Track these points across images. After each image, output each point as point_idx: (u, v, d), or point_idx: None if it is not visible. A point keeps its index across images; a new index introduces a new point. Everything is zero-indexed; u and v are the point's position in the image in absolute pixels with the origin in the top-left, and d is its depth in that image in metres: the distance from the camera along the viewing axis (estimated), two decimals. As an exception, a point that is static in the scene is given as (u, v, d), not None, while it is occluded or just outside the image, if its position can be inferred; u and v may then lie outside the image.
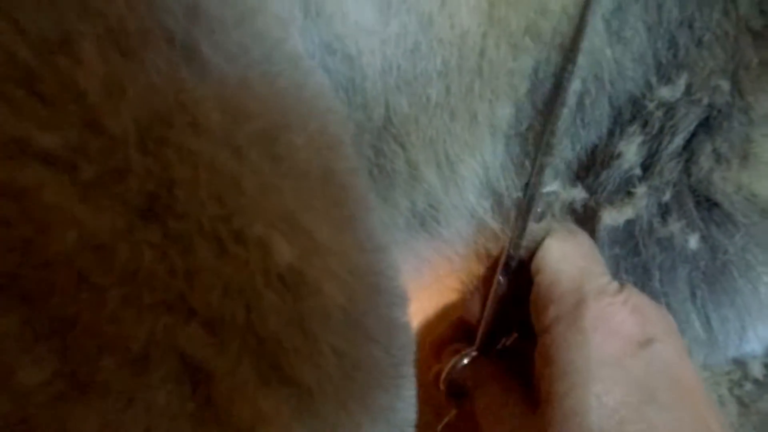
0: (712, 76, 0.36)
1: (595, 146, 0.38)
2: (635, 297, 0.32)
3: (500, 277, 0.36)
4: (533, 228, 0.36)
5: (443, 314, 0.42)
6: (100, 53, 0.18)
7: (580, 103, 0.37)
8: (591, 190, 0.38)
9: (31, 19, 0.17)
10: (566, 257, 0.34)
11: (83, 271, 0.18)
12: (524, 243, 0.36)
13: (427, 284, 0.43)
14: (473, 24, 0.32)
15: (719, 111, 0.36)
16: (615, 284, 0.33)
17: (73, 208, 0.18)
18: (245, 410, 0.22)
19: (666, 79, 0.36)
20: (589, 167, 0.38)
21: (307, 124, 0.24)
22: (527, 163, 0.39)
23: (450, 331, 0.40)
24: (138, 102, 0.19)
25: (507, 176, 0.39)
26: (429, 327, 0.42)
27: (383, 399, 0.26)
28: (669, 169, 0.37)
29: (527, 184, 0.37)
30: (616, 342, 0.30)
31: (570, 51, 0.35)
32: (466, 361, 0.37)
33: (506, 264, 0.36)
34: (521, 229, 0.36)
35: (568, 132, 0.38)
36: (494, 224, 0.42)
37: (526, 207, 0.36)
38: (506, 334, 0.38)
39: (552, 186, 0.38)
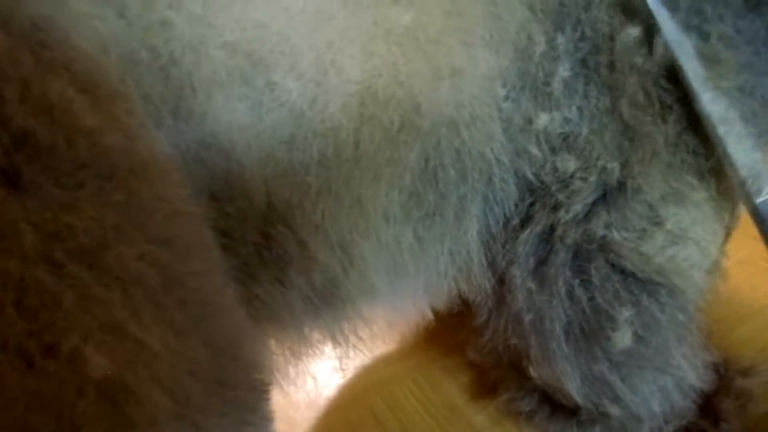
0: (600, 159, 0.38)
1: (507, 219, 0.41)
2: None
3: None
4: None
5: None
6: None
7: (489, 182, 0.39)
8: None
9: None
10: None
11: None
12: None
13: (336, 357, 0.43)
14: (344, 119, 0.33)
15: (611, 189, 0.39)
16: None
17: None
18: None
19: (559, 159, 0.39)
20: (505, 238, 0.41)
21: (144, 235, 0.25)
22: (433, 241, 0.40)
23: None
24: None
25: (413, 257, 0.40)
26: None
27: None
28: (571, 232, 0.40)
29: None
30: None
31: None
32: None
33: None
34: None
35: (477, 209, 0.40)
36: (398, 301, 0.43)
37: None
38: None
39: None
